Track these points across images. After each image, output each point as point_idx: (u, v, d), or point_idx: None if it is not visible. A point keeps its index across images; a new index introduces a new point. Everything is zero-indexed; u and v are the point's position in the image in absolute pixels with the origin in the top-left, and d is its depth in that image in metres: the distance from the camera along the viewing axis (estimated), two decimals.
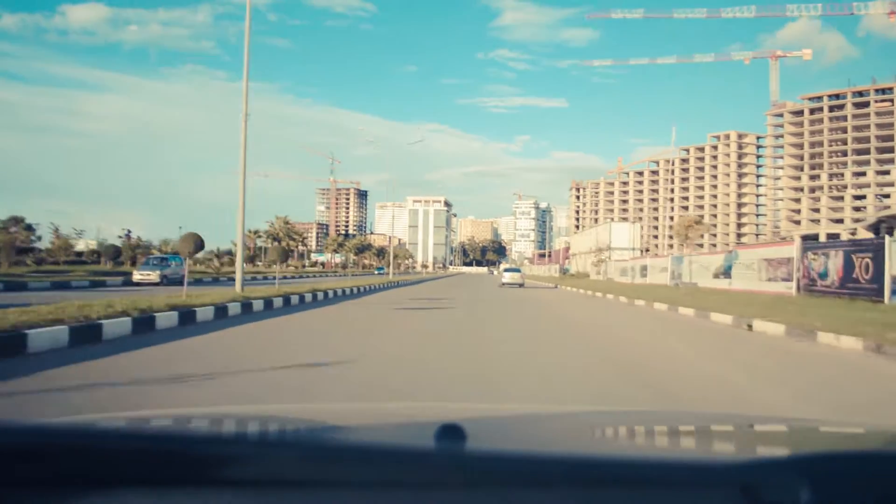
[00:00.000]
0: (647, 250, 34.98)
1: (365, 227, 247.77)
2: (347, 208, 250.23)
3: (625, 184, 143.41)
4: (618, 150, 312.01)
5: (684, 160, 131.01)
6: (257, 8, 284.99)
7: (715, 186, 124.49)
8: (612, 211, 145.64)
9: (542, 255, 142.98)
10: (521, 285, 33.72)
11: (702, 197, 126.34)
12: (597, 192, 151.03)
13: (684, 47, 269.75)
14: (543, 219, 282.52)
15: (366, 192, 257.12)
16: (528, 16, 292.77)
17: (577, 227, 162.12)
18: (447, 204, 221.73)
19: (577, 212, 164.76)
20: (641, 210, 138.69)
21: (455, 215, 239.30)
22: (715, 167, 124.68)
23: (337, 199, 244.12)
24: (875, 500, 0.79)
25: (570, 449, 1.20)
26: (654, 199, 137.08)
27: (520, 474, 0.81)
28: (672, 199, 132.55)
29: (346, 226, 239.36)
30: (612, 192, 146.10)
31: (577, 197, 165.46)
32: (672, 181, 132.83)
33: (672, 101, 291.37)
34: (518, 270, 37.74)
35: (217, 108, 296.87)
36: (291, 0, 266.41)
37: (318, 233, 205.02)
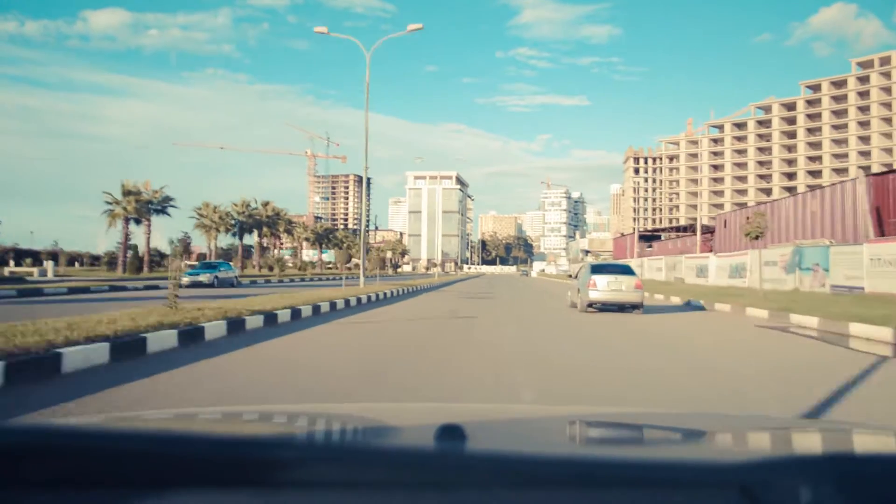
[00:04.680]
0: None
1: (368, 221, 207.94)
2: (346, 198, 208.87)
3: (716, 142, 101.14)
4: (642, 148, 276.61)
5: (810, 102, 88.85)
6: (276, 10, 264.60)
7: (866, 138, 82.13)
8: (695, 182, 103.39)
9: (649, 239, 69.02)
10: (636, 306, 14.44)
11: (844, 154, 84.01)
12: (675, 157, 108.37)
13: None
14: (576, 210, 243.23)
15: (369, 179, 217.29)
16: (547, 13, 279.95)
17: (635, 212, 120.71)
18: (460, 181, 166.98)
19: (635, 191, 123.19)
20: (745, 179, 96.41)
21: (472, 198, 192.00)
22: (864, 109, 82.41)
23: (334, 188, 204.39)
24: (875, 501, 0.77)
25: (570, 449, 1.18)
26: (764, 163, 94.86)
27: (519, 474, 0.80)
28: (792, 161, 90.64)
29: (346, 219, 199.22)
30: (695, 156, 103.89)
31: (636, 170, 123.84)
32: (793, 135, 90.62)
33: (727, 63, 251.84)
34: (630, 272, 15.25)
35: (238, 111, 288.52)
36: (311, 1, 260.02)
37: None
